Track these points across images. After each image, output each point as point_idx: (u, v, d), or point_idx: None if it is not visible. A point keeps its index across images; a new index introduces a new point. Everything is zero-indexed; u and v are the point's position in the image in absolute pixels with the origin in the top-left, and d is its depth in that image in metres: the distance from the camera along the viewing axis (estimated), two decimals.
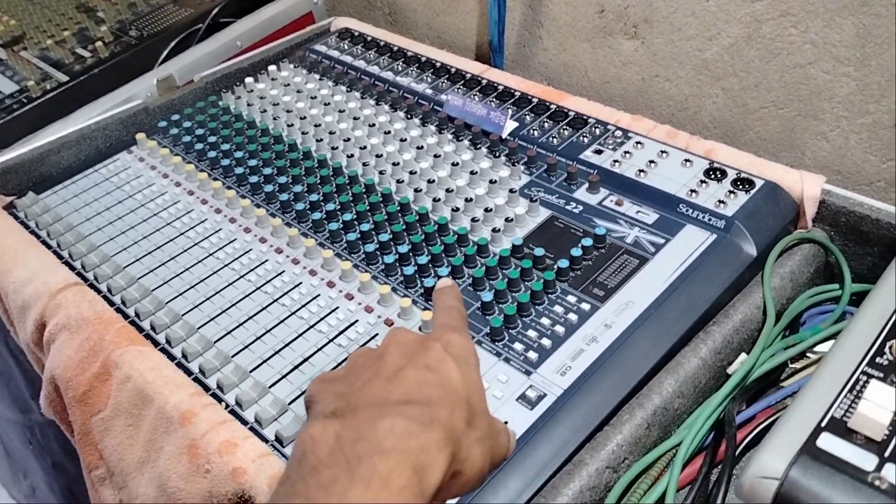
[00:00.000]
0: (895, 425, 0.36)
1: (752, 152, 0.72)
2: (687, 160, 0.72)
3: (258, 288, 0.66)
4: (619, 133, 0.77)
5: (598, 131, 0.77)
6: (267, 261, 0.69)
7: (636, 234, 0.66)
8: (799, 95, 0.77)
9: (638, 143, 0.75)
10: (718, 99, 0.83)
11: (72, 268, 0.70)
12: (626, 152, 0.74)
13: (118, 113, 0.89)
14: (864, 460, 0.34)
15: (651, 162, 0.72)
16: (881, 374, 0.39)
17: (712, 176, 0.70)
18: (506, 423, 0.46)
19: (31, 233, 0.75)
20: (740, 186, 0.68)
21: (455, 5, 1.04)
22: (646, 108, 0.90)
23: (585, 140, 0.77)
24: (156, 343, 0.62)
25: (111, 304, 0.66)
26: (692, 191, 0.69)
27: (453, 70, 0.90)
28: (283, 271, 0.67)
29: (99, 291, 0.68)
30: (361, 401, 0.39)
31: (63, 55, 1.02)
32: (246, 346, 0.61)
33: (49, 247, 0.73)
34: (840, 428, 0.35)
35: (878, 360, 0.40)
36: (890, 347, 0.41)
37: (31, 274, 0.67)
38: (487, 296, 0.61)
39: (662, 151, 0.73)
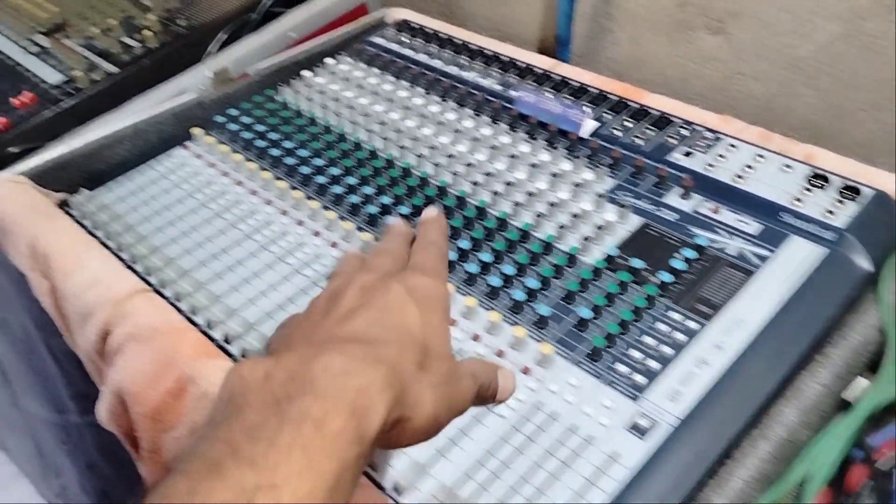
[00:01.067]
0: None
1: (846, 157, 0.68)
2: (786, 165, 0.68)
3: None
4: (708, 134, 0.72)
5: (685, 132, 0.73)
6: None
7: (739, 246, 0.61)
8: None
9: (731, 145, 0.71)
10: (810, 99, 0.78)
11: (133, 270, 0.67)
12: (719, 155, 0.70)
13: (172, 107, 0.85)
14: None
15: (748, 167, 0.68)
16: None
17: (815, 183, 0.66)
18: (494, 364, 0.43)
19: (88, 233, 0.71)
20: (847, 195, 0.64)
21: None
22: (727, 107, 0.85)
23: (673, 141, 0.72)
24: (229, 354, 0.58)
25: (178, 310, 0.62)
26: (796, 199, 0.64)
27: (522, 65, 0.86)
28: None
29: (164, 297, 0.64)
30: (300, 340, 0.37)
31: (109, 44, 0.98)
32: None
33: (107, 247, 0.70)
34: None
35: None
36: None
37: (92, 278, 0.63)
38: (586, 312, 0.57)
39: (759, 155, 0.69)
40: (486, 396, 0.41)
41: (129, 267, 0.67)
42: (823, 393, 0.52)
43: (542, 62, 0.86)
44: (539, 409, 0.52)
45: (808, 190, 0.65)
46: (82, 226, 0.72)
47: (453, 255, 0.63)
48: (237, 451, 0.30)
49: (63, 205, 0.75)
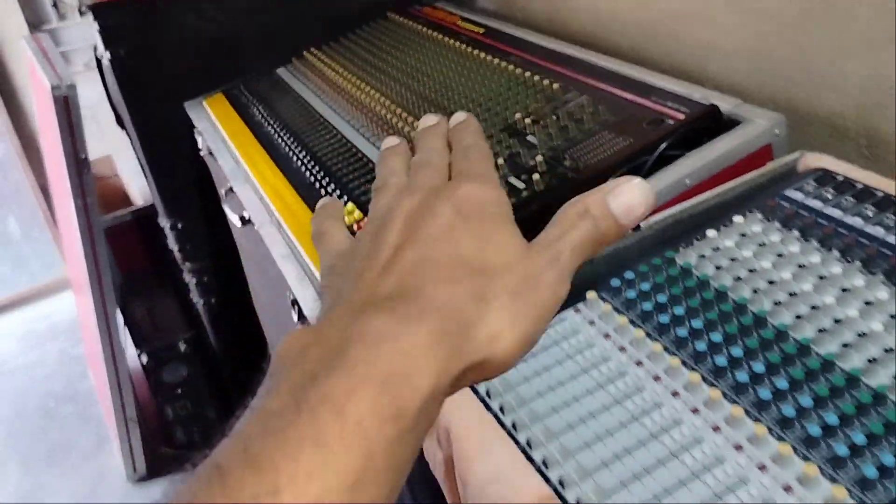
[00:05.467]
0: None
1: None
2: None
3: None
4: None
5: None
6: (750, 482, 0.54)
7: None
8: None
9: None
10: None
11: (529, 457, 0.62)
12: None
13: None
14: None
15: None
16: None
17: None
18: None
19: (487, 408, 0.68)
20: None
21: None
22: None
23: None
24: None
25: None
26: None
27: None
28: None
29: (560, 496, 0.58)
30: (345, 296, 0.34)
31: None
32: None
33: (503, 425, 0.66)
34: None
35: None
36: None
37: (495, 473, 0.59)
38: None
39: None
40: (604, 240, 0.37)
41: (524, 452, 0.63)
42: None
43: None
44: None
45: None
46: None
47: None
48: (247, 450, 0.27)
49: None
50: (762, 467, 0.55)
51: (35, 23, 2.98)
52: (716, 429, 0.60)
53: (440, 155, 0.42)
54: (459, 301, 0.32)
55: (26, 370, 2.79)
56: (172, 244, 1.87)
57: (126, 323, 2.21)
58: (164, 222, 1.83)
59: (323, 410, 0.27)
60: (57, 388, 2.66)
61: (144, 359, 2.00)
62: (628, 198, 0.37)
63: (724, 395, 0.62)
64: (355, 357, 0.29)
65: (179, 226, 1.83)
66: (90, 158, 2.87)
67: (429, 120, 0.45)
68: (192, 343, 2.04)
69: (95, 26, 1.60)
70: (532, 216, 0.91)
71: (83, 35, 2.87)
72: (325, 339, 0.31)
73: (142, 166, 1.82)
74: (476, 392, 0.69)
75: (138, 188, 2.70)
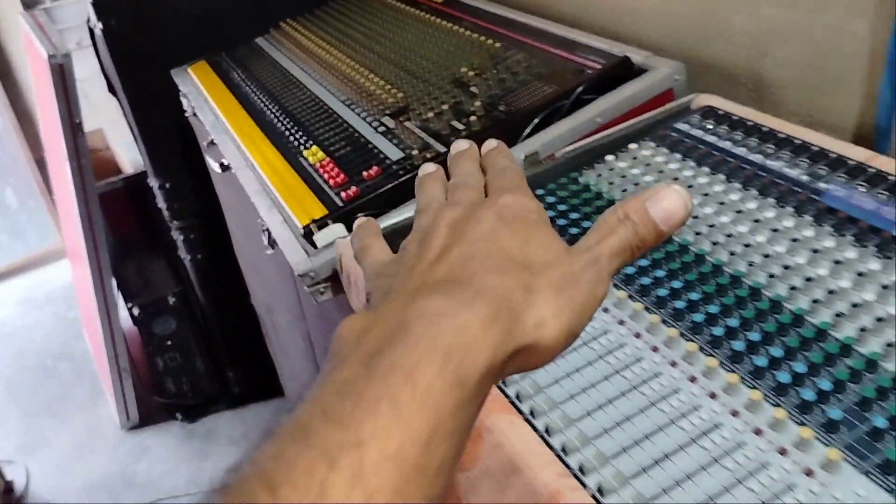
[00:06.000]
0: None
1: None
2: None
3: (637, 388, 0.66)
4: None
5: None
6: (644, 359, 0.69)
7: None
8: None
9: None
10: None
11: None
12: None
13: None
14: None
15: None
16: None
17: None
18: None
19: None
20: None
21: (836, 85, 0.97)
22: None
23: None
24: (520, 411, 0.65)
25: None
26: None
27: (833, 155, 0.84)
28: (680, 390, 0.66)
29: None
30: (397, 288, 0.36)
31: (441, 126, 1.14)
32: (607, 431, 0.61)
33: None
34: None
35: None
36: None
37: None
38: (881, 422, 0.54)
39: None
40: (643, 245, 0.37)
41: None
42: None
43: (857, 154, 0.83)
44: None
45: None
46: None
47: (762, 361, 0.64)
48: (326, 412, 0.29)
49: None
50: (654, 349, 0.64)
51: (29, 2, 3.10)
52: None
53: (475, 177, 0.44)
54: (508, 288, 0.34)
55: (25, 332, 2.94)
56: (161, 203, 2.01)
57: (118, 284, 2.35)
58: (154, 182, 1.98)
59: (394, 376, 0.29)
60: (54, 348, 2.81)
61: (136, 311, 2.14)
62: (667, 203, 0.37)
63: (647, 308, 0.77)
64: (417, 333, 0.31)
65: (167, 185, 1.97)
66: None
67: (461, 145, 0.48)
68: (181, 297, 2.19)
69: None
70: None
71: (75, 14, 2.98)
72: (384, 320, 0.33)
73: (132, 130, 1.96)
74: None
75: (129, 160, 2.83)
